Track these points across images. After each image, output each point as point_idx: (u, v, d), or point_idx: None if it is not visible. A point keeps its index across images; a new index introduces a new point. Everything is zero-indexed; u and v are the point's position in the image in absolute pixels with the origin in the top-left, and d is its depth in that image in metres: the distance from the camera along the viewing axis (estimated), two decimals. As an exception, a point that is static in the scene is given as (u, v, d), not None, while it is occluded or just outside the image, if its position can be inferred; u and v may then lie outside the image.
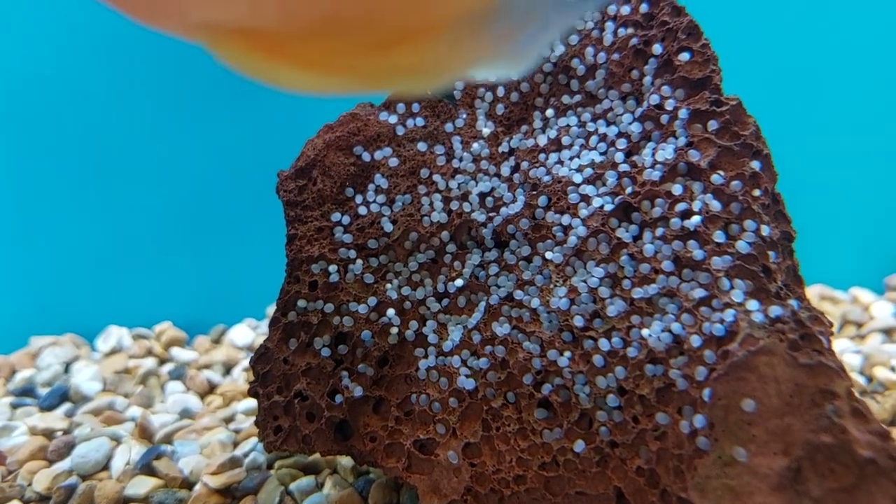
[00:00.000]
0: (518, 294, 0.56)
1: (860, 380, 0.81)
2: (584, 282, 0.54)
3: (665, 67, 0.55)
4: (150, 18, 0.28)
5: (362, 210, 0.59)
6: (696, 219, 0.51)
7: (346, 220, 0.59)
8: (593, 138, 0.57)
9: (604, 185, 0.55)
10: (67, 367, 0.96)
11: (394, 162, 0.59)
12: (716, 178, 0.52)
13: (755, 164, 0.52)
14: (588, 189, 0.55)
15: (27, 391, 0.89)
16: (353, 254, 0.59)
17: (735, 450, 0.46)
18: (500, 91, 0.60)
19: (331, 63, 0.28)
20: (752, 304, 0.49)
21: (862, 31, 1.03)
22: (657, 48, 0.55)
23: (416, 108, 0.60)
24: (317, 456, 0.69)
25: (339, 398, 0.59)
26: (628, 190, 0.54)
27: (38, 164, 1.03)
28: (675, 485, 0.49)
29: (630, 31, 0.56)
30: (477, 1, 0.28)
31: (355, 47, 0.27)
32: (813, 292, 1.05)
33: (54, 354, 0.97)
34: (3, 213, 1.03)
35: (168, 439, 0.76)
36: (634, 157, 0.55)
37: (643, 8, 0.56)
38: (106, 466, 0.72)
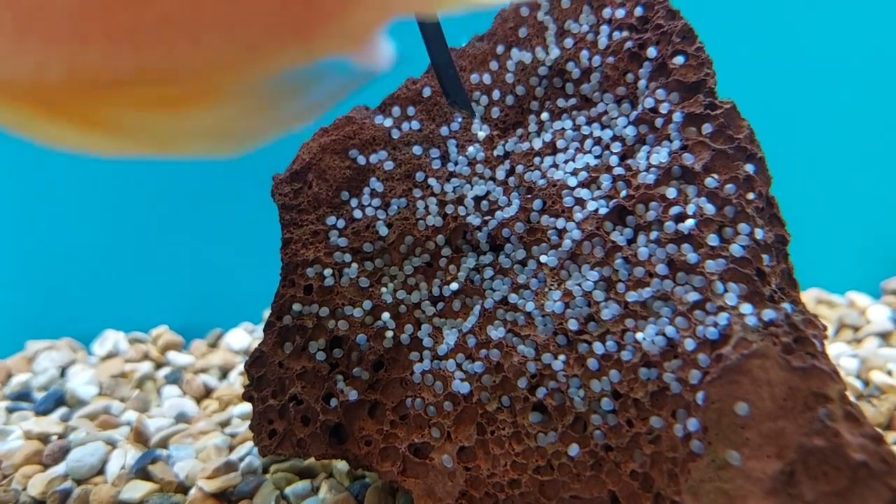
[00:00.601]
0: (513, 297, 0.56)
1: (857, 384, 0.80)
2: (579, 285, 0.54)
3: (660, 71, 0.55)
4: None
5: (357, 214, 0.59)
6: (690, 222, 0.51)
7: (341, 223, 0.59)
8: (588, 142, 0.57)
9: (598, 188, 0.55)
10: (63, 372, 0.96)
11: (389, 165, 0.59)
12: (710, 182, 0.52)
13: (749, 168, 0.52)
14: (583, 192, 0.55)
15: (23, 395, 0.89)
16: (348, 257, 0.59)
17: (728, 453, 0.46)
18: (496, 94, 0.60)
19: (117, 122, 0.25)
20: (746, 308, 0.49)
21: (856, 35, 1.03)
22: (652, 51, 0.55)
23: (411, 111, 0.60)
24: (312, 460, 0.69)
25: (333, 402, 0.59)
26: (623, 193, 0.54)
27: (34, 168, 1.03)
28: (669, 488, 0.49)
29: (625, 34, 0.57)
30: (277, 67, 0.27)
31: (146, 105, 0.25)
32: (809, 296, 1.05)
33: (50, 358, 0.97)
34: (-1, 216, 1.03)
35: (164, 443, 0.76)
36: (629, 161, 0.55)
37: (638, 11, 0.56)
38: (101, 471, 0.71)
